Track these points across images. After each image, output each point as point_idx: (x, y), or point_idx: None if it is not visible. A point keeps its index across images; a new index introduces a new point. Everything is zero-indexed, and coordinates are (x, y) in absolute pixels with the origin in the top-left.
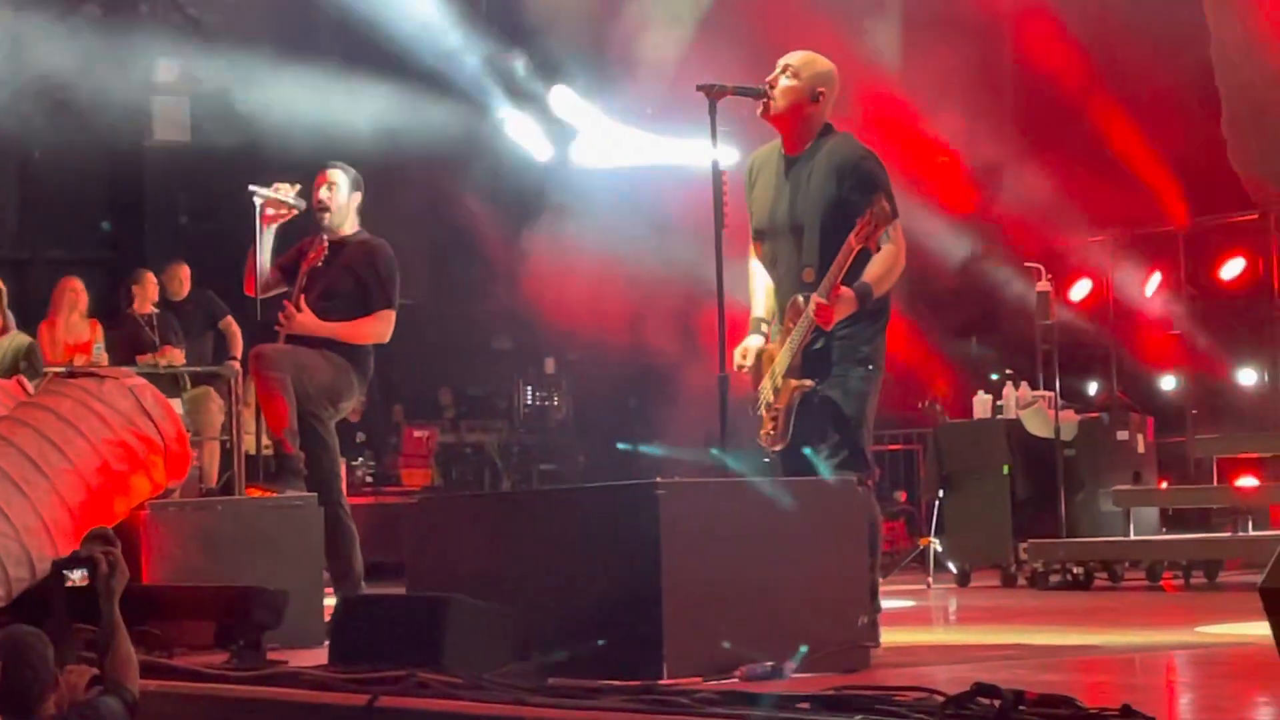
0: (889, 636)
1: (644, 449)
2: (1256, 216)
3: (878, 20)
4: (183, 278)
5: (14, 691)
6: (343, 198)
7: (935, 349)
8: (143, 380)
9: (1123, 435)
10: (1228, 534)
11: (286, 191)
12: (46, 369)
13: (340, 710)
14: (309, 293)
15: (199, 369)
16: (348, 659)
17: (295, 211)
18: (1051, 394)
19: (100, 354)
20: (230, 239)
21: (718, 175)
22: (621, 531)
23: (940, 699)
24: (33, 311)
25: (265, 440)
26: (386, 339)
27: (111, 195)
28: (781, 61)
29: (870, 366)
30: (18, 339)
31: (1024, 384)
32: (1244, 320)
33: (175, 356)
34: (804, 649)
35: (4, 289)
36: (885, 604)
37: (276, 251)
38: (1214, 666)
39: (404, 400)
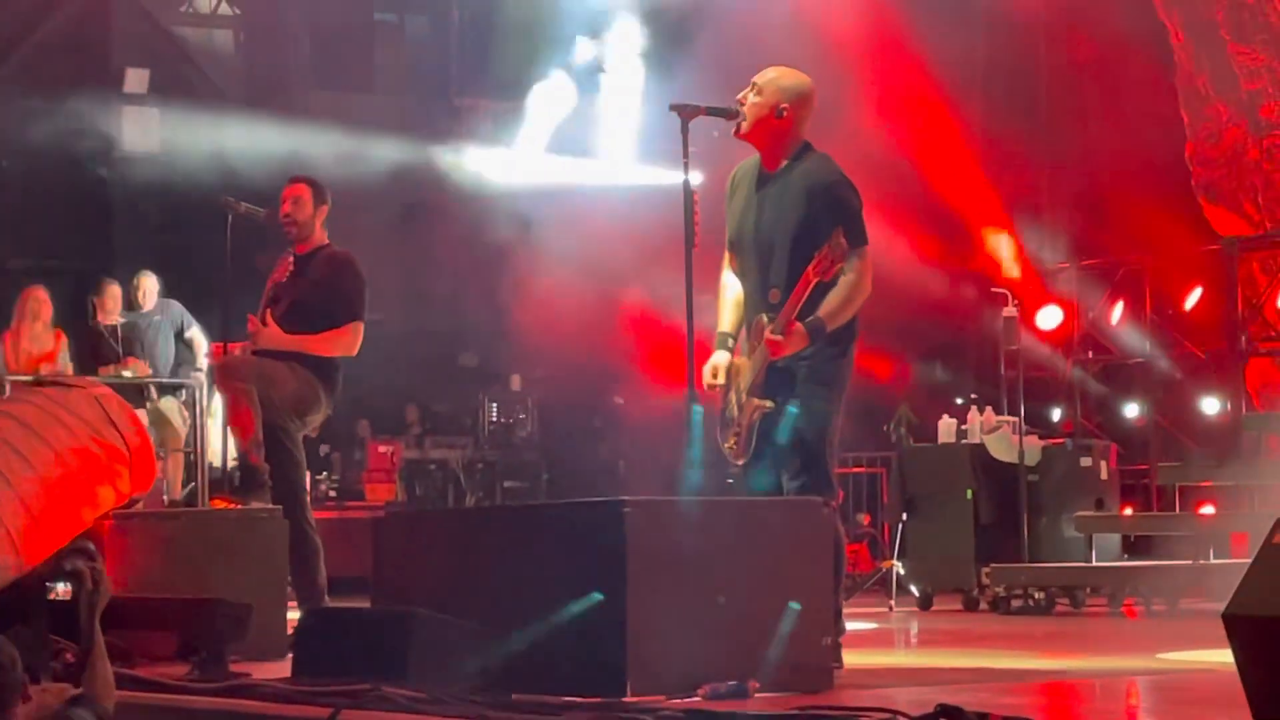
0: (851, 658)
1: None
2: (1219, 247)
3: None
4: (147, 288)
5: None
6: (309, 211)
7: (902, 372)
8: (109, 390)
9: (1086, 462)
10: (1189, 562)
11: (256, 210)
12: (10, 377)
13: None
14: (276, 306)
15: (163, 380)
16: (311, 672)
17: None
18: (1016, 419)
19: (65, 364)
20: (198, 250)
21: (688, 194)
22: (587, 548)
23: None
24: None
25: (231, 452)
26: (354, 351)
27: (79, 204)
28: (753, 79)
29: (834, 387)
30: None
31: (989, 409)
32: (1207, 350)
33: (139, 368)
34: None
35: None
36: (848, 626)
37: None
38: (1176, 692)
39: (369, 415)
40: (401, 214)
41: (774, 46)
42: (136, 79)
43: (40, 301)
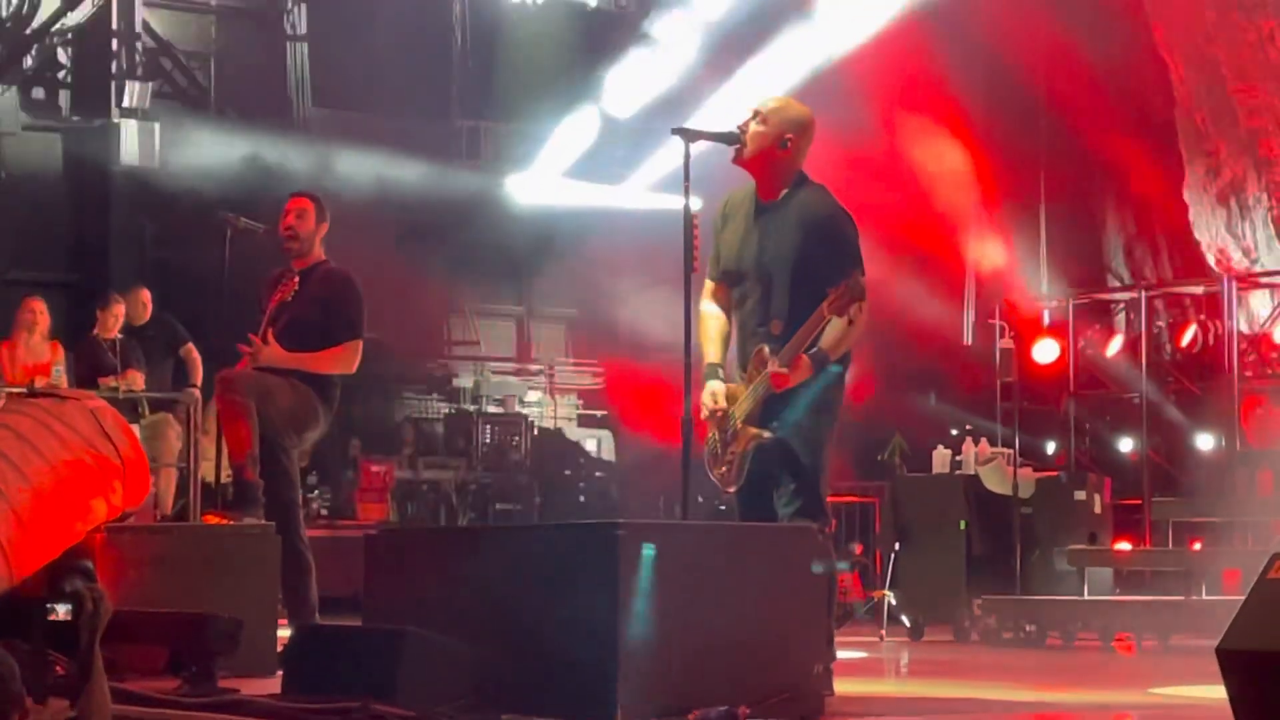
0: (842, 687)
1: None
2: (1216, 283)
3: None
4: (144, 302)
5: None
6: (311, 225)
7: (896, 402)
8: (104, 403)
9: (1080, 495)
10: (1181, 597)
11: (255, 226)
12: (5, 388)
13: None
14: (276, 324)
15: (158, 395)
16: (301, 689)
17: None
18: (1010, 451)
19: (60, 376)
20: (195, 265)
21: (688, 219)
22: (580, 571)
23: None
24: None
25: (225, 469)
26: (354, 369)
27: (77, 218)
28: (752, 106)
29: (826, 414)
30: None
31: (983, 440)
32: (1202, 386)
33: (136, 380)
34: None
35: None
36: (838, 654)
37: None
38: None
39: (362, 434)
40: (398, 233)
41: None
42: (136, 93)
43: (37, 313)
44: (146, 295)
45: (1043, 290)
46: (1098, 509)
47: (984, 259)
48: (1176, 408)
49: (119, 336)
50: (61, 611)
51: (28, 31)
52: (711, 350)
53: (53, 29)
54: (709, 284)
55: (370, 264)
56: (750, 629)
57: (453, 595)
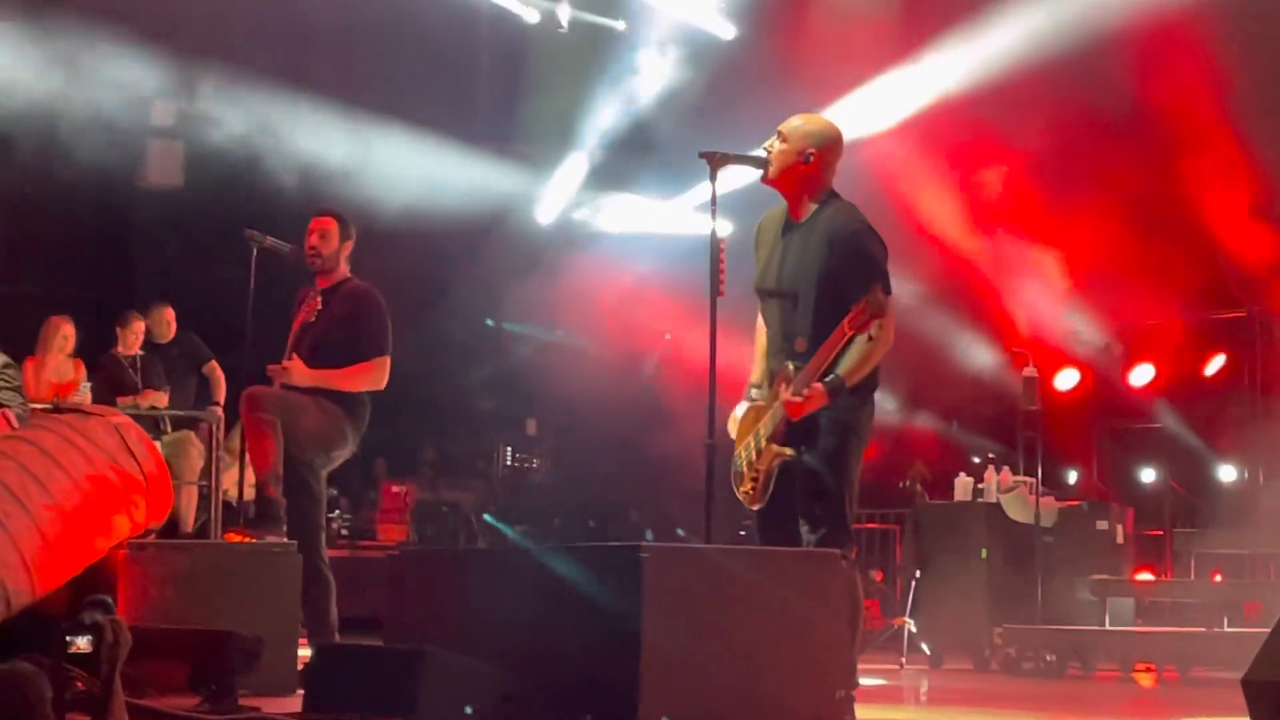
0: (862, 714)
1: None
2: (1243, 314)
3: None
4: (168, 320)
5: None
6: (334, 244)
7: (918, 429)
8: (128, 419)
9: (1102, 525)
10: (1203, 629)
11: (280, 245)
12: (32, 404)
13: None
14: (301, 345)
15: (180, 412)
16: (321, 708)
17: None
18: (1033, 480)
19: (85, 393)
20: (220, 284)
21: (715, 242)
22: (602, 593)
23: None
24: (16, 348)
25: (248, 486)
26: (382, 385)
27: (101, 235)
28: (779, 127)
29: (854, 437)
30: None
31: (1005, 468)
32: (1226, 417)
33: (156, 399)
34: None
35: None
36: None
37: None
38: None
39: (383, 455)
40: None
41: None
42: (162, 112)
43: (67, 337)
44: (170, 313)
45: (1067, 320)
46: (1120, 539)
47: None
48: (1199, 438)
49: (140, 353)
50: (82, 643)
51: None
52: (755, 369)
53: None
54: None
55: (395, 283)
56: (773, 653)
57: (474, 616)
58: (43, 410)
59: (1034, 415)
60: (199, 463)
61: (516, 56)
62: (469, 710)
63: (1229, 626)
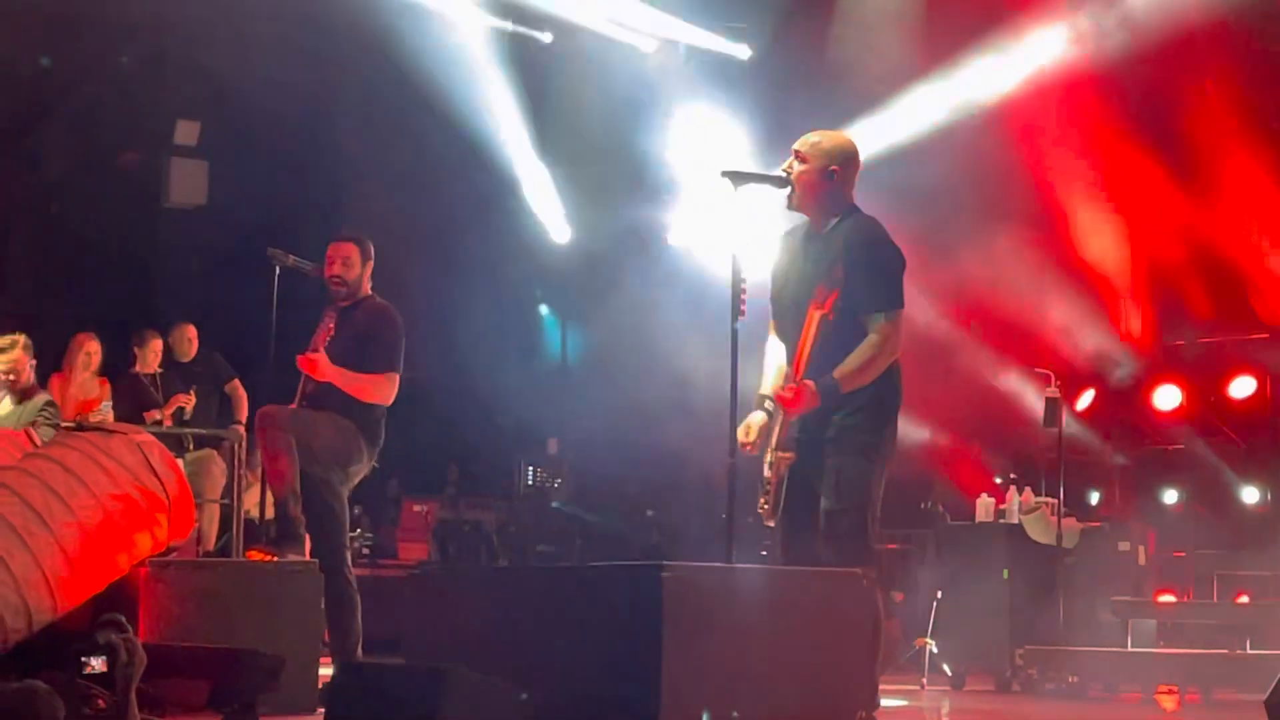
0: None
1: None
2: (1267, 335)
3: None
4: (190, 338)
5: None
6: (356, 271)
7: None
8: (151, 437)
9: (1124, 546)
10: (1226, 651)
11: (304, 264)
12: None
13: None
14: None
15: (203, 431)
16: None
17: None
18: (1054, 501)
19: (108, 411)
20: (242, 303)
21: (736, 263)
22: (623, 612)
23: None
24: (42, 366)
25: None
26: (390, 401)
27: (125, 255)
28: (793, 147)
29: (875, 457)
30: (39, 398)
31: (1027, 489)
32: (1249, 438)
33: (185, 402)
34: None
35: (30, 345)
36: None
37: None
38: None
39: (404, 473)
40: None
41: None
42: (187, 131)
43: (91, 355)
44: (192, 331)
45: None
46: (1142, 560)
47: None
48: (1222, 459)
49: (159, 371)
50: (96, 663)
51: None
52: (765, 380)
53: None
54: (772, 320)
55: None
56: (794, 674)
57: (496, 635)
58: (66, 428)
59: (1056, 436)
60: (221, 481)
61: (538, 75)
62: None
63: (1252, 649)
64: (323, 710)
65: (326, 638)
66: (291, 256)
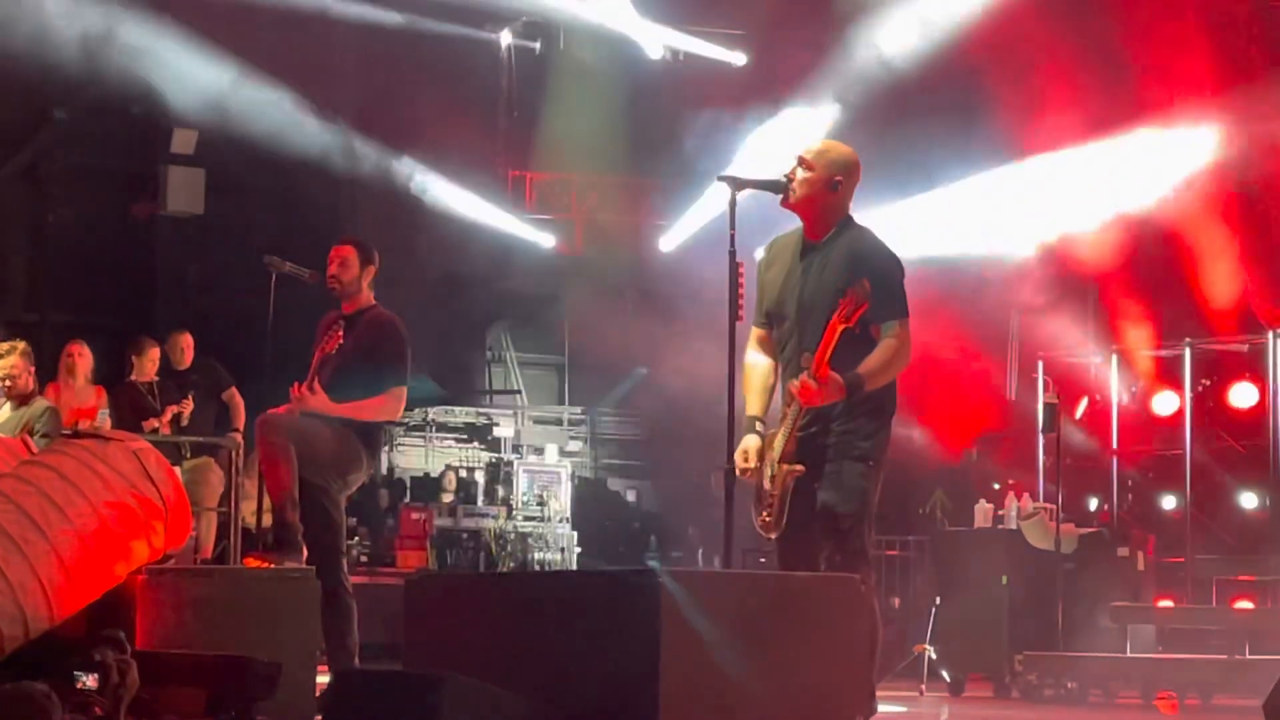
0: None
1: None
2: (1263, 340)
3: None
4: (184, 346)
5: None
6: (355, 272)
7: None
8: (147, 444)
9: (1123, 552)
10: (1224, 656)
11: (300, 271)
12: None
13: None
14: (323, 371)
15: (200, 439)
16: None
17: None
18: (1053, 506)
19: (105, 419)
20: (240, 310)
21: (734, 267)
22: (621, 618)
23: None
24: (39, 374)
25: (266, 513)
26: (398, 415)
27: (122, 262)
28: (796, 154)
29: (870, 462)
30: (38, 404)
31: (1026, 495)
32: (1247, 443)
33: (183, 407)
34: None
35: (31, 352)
36: (878, 708)
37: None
38: None
39: (403, 481)
40: (443, 281)
41: None
42: (184, 140)
43: (74, 356)
44: (188, 339)
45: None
46: (1141, 566)
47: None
48: (1220, 465)
49: (156, 379)
50: (88, 680)
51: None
52: (753, 402)
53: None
54: (755, 332)
55: (412, 310)
56: (791, 679)
57: (493, 641)
58: (62, 436)
59: (1054, 441)
60: (218, 489)
61: (537, 80)
62: None
63: (1250, 654)
64: (320, 717)
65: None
66: (288, 263)
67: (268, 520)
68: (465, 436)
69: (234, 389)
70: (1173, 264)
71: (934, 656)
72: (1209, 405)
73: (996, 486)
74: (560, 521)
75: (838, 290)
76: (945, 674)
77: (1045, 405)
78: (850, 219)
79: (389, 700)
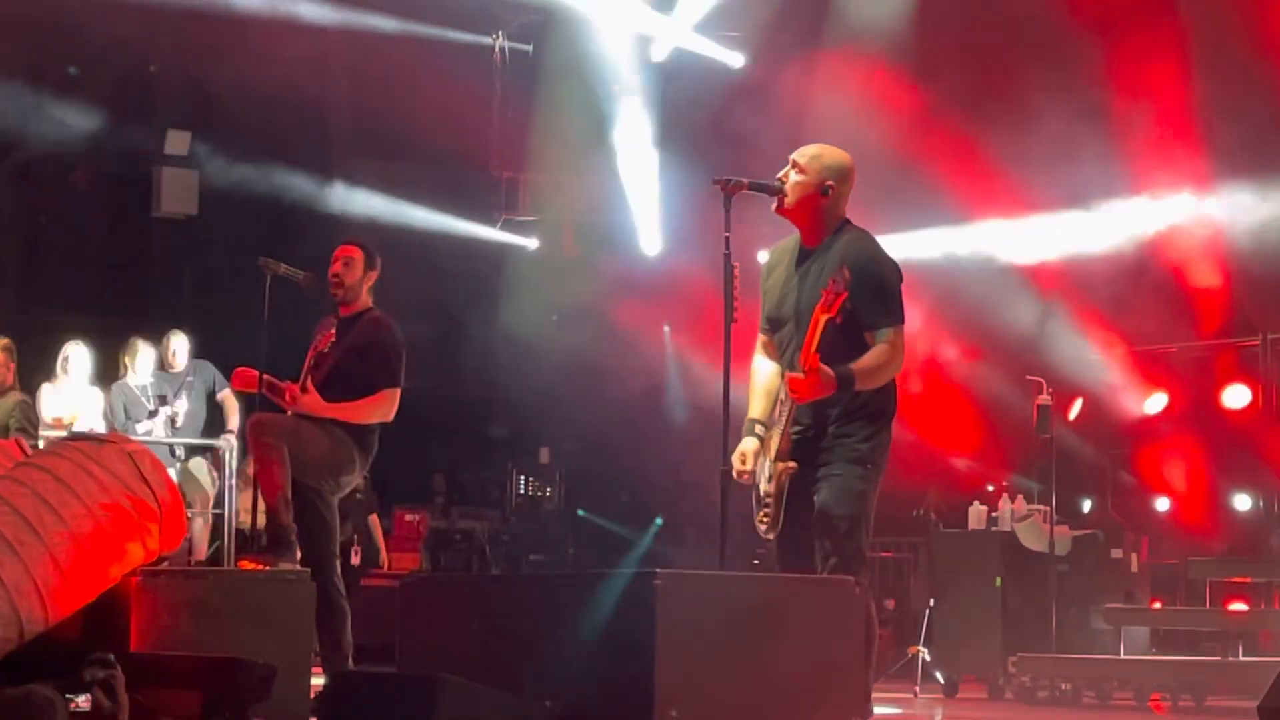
0: None
1: None
2: (1257, 342)
3: None
4: (177, 348)
5: None
6: (357, 275)
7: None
8: (142, 446)
9: (1116, 553)
10: (1218, 658)
11: (295, 273)
12: (45, 432)
13: None
14: (317, 372)
15: (194, 440)
16: None
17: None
18: (1047, 508)
19: (98, 420)
20: (233, 311)
21: (729, 269)
22: (618, 619)
23: None
24: (33, 375)
25: (260, 515)
26: (390, 417)
27: (116, 263)
28: (791, 156)
29: (868, 465)
30: (11, 398)
31: (1020, 496)
32: (1241, 445)
33: (177, 406)
34: None
35: (14, 348)
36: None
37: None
38: None
39: (396, 483)
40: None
41: None
42: (177, 140)
43: (76, 357)
44: (181, 340)
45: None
46: (1134, 567)
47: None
48: (1214, 466)
49: (151, 380)
50: (80, 700)
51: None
52: (755, 404)
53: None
54: (761, 338)
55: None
56: (787, 681)
57: (489, 642)
58: (57, 437)
59: (1048, 443)
60: (212, 490)
61: (530, 83)
62: None
63: (1244, 655)
64: (315, 719)
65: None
66: (283, 265)
67: (261, 522)
68: (459, 437)
69: (228, 390)
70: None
71: (928, 658)
72: (1201, 405)
73: (990, 488)
74: (554, 522)
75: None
76: (939, 675)
77: (1039, 407)
78: (848, 223)
79: (384, 702)
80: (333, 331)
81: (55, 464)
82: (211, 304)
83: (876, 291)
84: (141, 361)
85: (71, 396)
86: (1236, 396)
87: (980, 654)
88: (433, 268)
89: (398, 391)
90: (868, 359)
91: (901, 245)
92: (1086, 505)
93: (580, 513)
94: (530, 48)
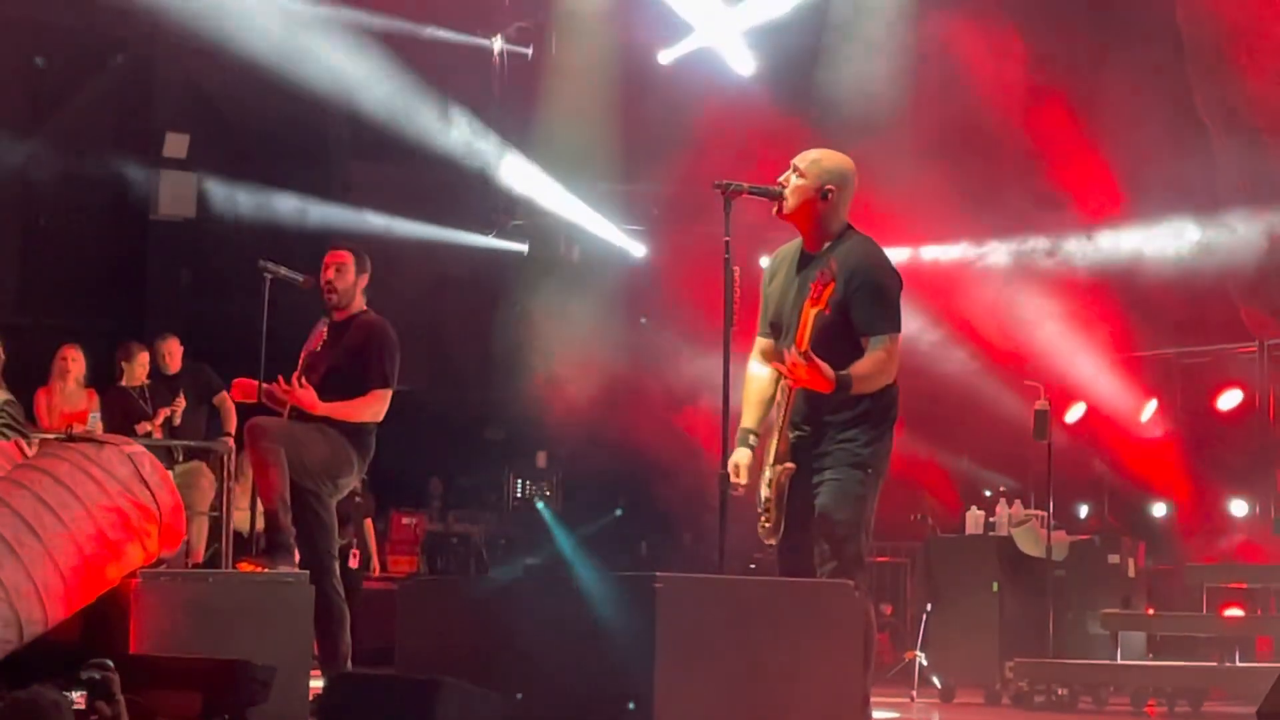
0: None
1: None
2: (1254, 348)
3: None
4: (172, 351)
5: None
6: (350, 279)
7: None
8: (142, 448)
9: (1114, 559)
10: (1215, 663)
11: (295, 275)
12: (42, 434)
13: None
14: (311, 374)
15: (192, 443)
16: None
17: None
18: (1044, 513)
19: (96, 422)
20: (232, 315)
21: (729, 272)
22: (617, 622)
23: None
24: (30, 378)
25: (259, 517)
26: (380, 417)
27: (114, 266)
28: (792, 160)
29: (869, 470)
30: None
31: (1017, 502)
32: (1238, 450)
33: (176, 405)
34: None
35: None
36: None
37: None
38: None
39: (393, 486)
40: (434, 287)
41: None
42: (176, 144)
43: (66, 360)
44: (175, 344)
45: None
46: (1131, 573)
47: None
48: (1211, 472)
49: (147, 383)
50: (76, 697)
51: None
52: (748, 414)
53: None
54: (759, 342)
55: (404, 317)
56: (785, 685)
57: (488, 645)
58: (56, 440)
59: (1045, 449)
60: (210, 493)
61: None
62: None
63: (1241, 661)
64: None
65: (316, 649)
66: (283, 268)
67: (259, 524)
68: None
69: (226, 393)
70: None
71: (925, 663)
72: (1198, 411)
73: (988, 493)
74: (552, 524)
75: (838, 300)
76: (936, 681)
77: (1037, 412)
78: (850, 228)
79: (383, 704)
80: (324, 331)
81: (55, 466)
82: (209, 307)
83: (875, 297)
84: (139, 366)
85: (69, 399)
86: (1229, 400)
87: (977, 659)
88: (430, 271)
89: (389, 392)
90: (865, 365)
91: None
92: (1084, 510)
93: (539, 505)
94: (529, 50)
